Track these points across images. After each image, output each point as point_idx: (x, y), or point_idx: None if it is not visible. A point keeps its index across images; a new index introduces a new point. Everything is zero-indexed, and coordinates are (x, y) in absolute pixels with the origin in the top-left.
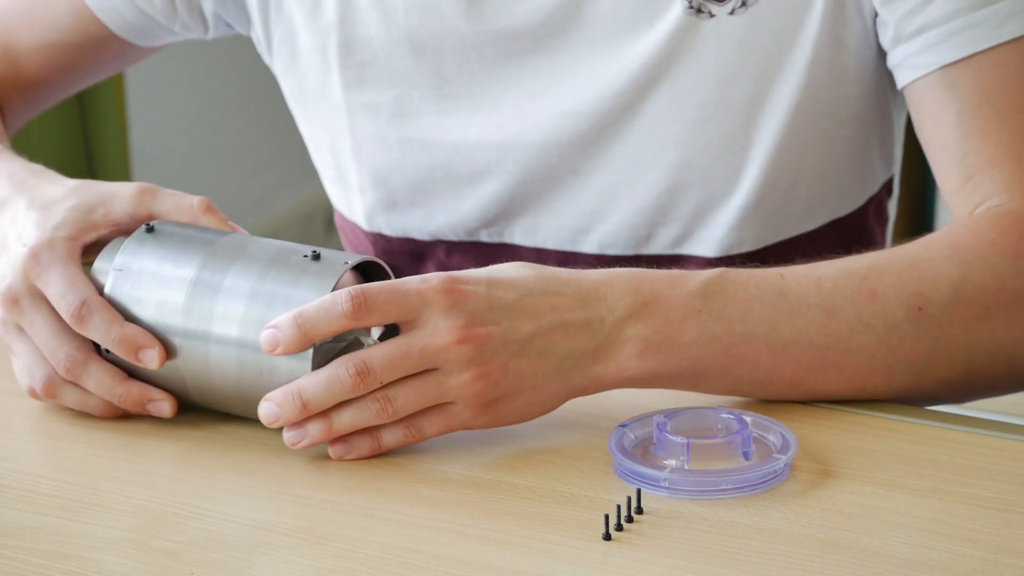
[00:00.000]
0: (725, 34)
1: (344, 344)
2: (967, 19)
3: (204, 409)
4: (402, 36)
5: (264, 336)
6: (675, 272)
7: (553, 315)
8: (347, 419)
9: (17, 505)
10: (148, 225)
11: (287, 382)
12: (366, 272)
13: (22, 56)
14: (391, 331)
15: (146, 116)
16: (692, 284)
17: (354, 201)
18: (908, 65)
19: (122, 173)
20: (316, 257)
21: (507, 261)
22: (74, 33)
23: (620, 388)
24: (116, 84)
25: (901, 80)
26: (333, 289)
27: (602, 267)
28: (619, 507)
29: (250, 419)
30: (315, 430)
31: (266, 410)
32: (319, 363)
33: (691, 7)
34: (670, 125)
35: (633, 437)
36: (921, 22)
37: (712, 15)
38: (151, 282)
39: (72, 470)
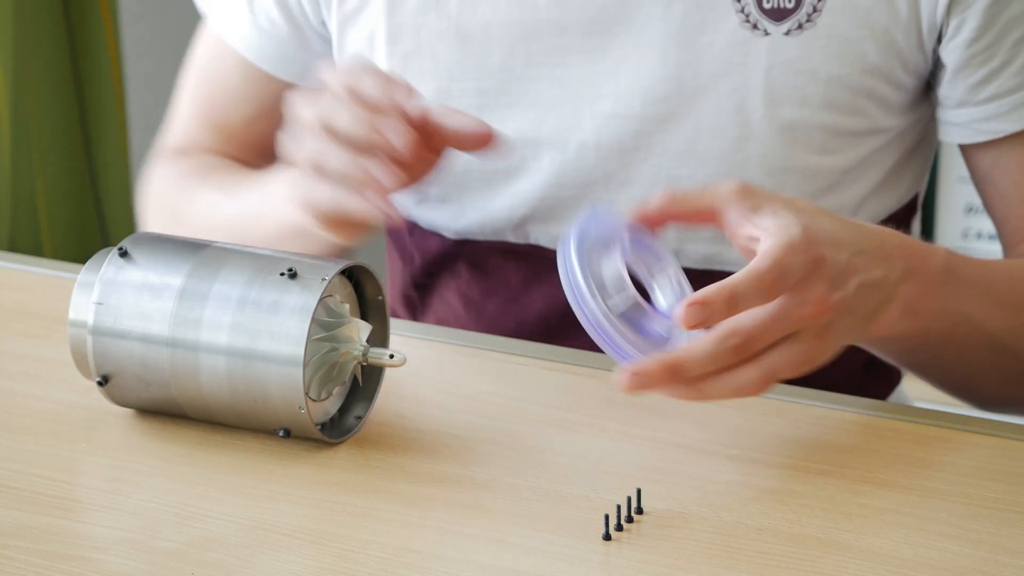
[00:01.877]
0: (777, 53)
1: (338, 351)
2: None
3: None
4: (451, 25)
5: (685, 306)
6: (922, 242)
7: (860, 276)
8: (695, 359)
9: (17, 505)
10: (121, 248)
11: (278, 391)
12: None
13: (234, 139)
14: (378, 331)
15: (146, 116)
16: (939, 258)
17: None
18: (972, 128)
19: (122, 173)
20: (292, 275)
21: (534, 264)
22: (259, 94)
23: (868, 344)
24: (116, 84)
25: (966, 137)
26: (320, 299)
27: None
28: (619, 507)
29: (242, 428)
30: (659, 375)
31: (695, 300)
32: (311, 372)
33: (747, 22)
34: (711, 140)
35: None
36: (992, 91)
37: (767, 33)
38: (132, 314)
39: (72, 470)
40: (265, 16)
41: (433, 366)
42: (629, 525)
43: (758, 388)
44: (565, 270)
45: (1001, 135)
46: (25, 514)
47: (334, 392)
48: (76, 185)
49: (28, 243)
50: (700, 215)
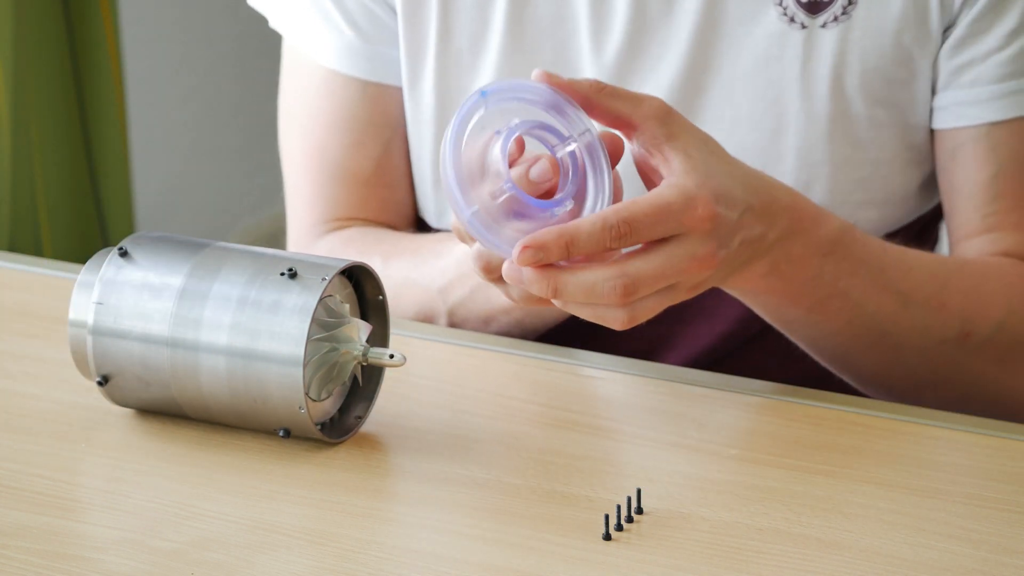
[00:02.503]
0: (813, 46)
1: (338, 351)
2: (1020, 82)
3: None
4: (503, 22)
5: (520, 248)
6: (818, 208)
7: (743, 232)
8: (578, 286)
9: (17, 505)
10: (121, 248)
11: (278, 391)
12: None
13: (372, 179)
14: (378, 331)
15: (146, 116)
16: (830, 228)
17: (426, 196)
18: (953, 112)
19: (122, 173)
20: (292, 275)
21: None
22: (385, 113)
23: (731, 291)
24: (116, 84)
25: (941, 122)
26: (320, 299)
27: None
28: (619, 507)
29: (242, 428)
30: (539, 285)
31: (530, 243)
32: (311, 372)
33: (785, 15)
34: (748, 132)
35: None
36: (976, 75)
37: (804, 27)
38: (132, 314)
39: (72, 470)
40: (364, 15)
41: (433, 366)
42: (629, 525)
43: (621, 326)
44: (442, 158)
45: (980, 122)
46: (25, 514)
47: (334, 392)
48: (76, 185)
49: (28, 243)
50: (616, 119)
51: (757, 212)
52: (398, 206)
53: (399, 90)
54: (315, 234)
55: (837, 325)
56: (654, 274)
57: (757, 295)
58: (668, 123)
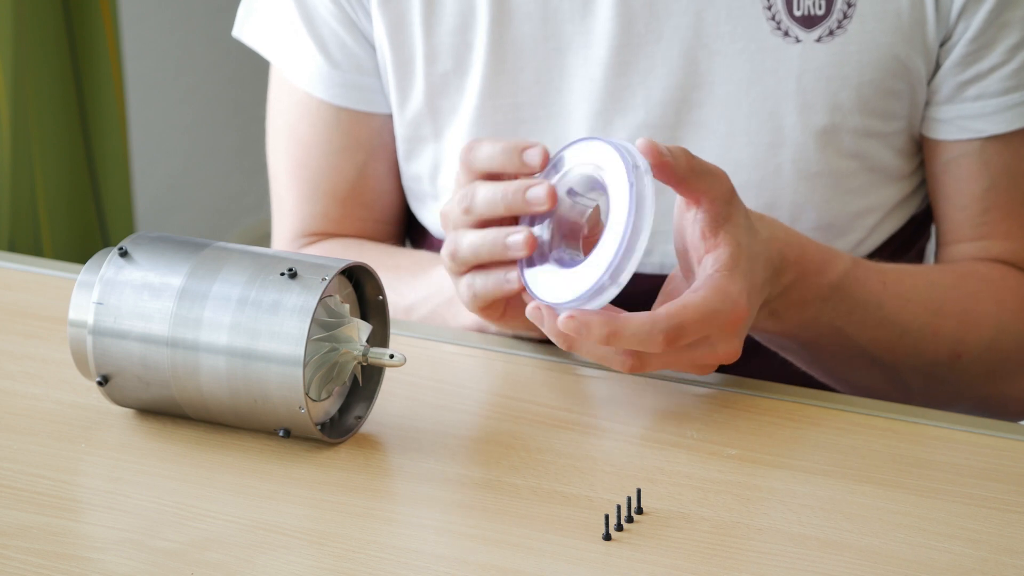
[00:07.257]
0: (809, 60)
1: (338, 351)
2: (1021, 95)
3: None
4: (485, 43)
5: (567, 317)
6: (826, 254)
7: (758, 303)
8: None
9: (17, 505)
10: (121, 248)
11: (278, 391)
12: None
13: (348, 199)
14: (378, 331)
15: (146, 116)
16: (832, 275)
17: (425, 209)
18: (956, 125)
19: (122, 173)
20: (292, 275)
21: None
22: (358, 138)
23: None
24: (116, 84)
25: (941, 134)
26: (320, 299)
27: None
28: (619, 507)
29: (242, 428)
30: (599, 331)
31: (577, 317)
32: (311, 372)
33: (778, 29)
34: (744, 146)
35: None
36: (980, 90)
37: (799, 40)
38: (132, 314)
39: (72, 470)
40: (337, 45)
41: (433, 366)
42: (629, 525)
43: (627, 371)
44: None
45: (980, 135)
46: (25, 514)
47: (334, 392)
48: (76, 185)
49: (28, 243)
50: (690, 192)
51: (770, 279)
52: (377, 223)
53: (373, 116)
54: (296, 246)
55: (831, 352)
56: (676, 365)
57: (753, 330)
58: (731, 203)
